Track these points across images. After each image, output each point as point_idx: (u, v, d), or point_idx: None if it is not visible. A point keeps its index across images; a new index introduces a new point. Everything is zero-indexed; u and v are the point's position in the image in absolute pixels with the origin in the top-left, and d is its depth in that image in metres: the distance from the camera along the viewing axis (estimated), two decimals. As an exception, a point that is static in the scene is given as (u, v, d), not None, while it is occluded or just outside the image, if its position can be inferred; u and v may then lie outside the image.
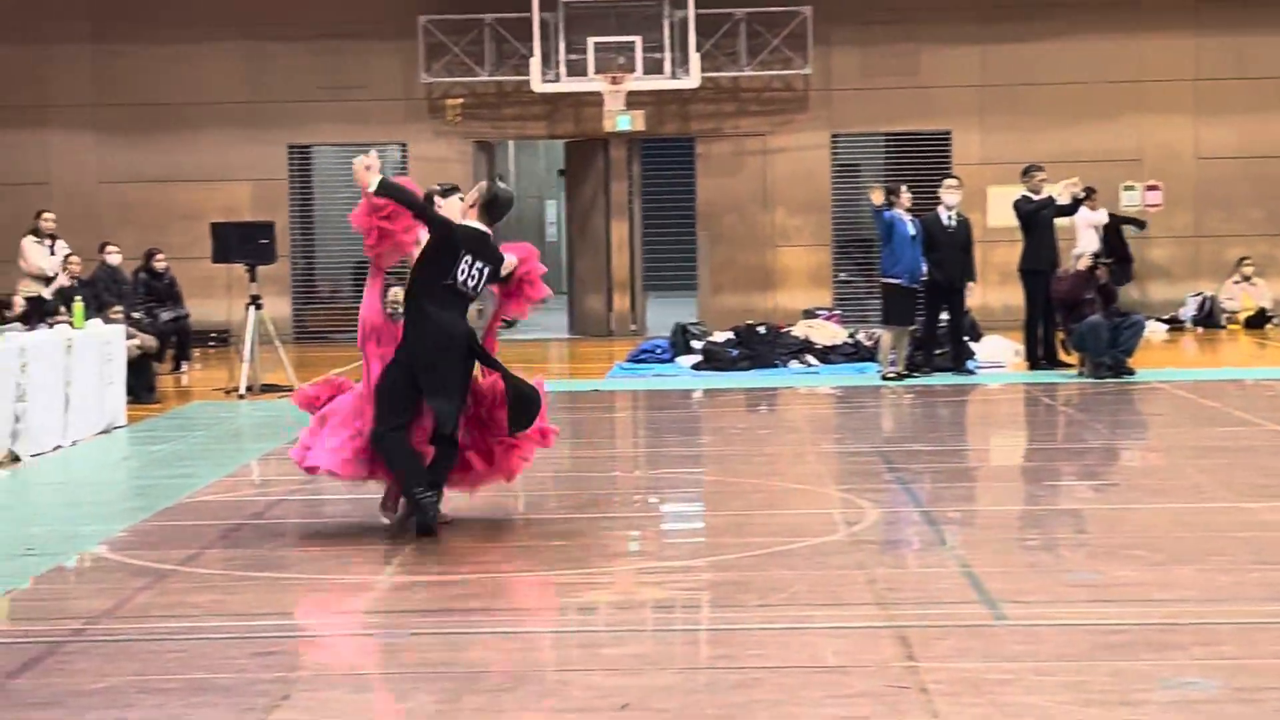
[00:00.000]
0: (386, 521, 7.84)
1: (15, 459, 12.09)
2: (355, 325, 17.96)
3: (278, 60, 23.29)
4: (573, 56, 22.07)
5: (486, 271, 7.51)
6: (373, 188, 7.38)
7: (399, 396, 7.49)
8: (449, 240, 7.34)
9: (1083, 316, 15.26)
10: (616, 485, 11.63)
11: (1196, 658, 5.24)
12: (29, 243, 18.24)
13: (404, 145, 23.72)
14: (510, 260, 7.74)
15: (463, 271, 7.36)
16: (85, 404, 13.33)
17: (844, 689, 4.99)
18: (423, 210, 7.46)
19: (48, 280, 17.60)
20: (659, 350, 19.73)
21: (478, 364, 7.87)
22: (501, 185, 8.00)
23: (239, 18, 23.01)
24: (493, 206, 7.65)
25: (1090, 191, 18.01)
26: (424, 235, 7.55)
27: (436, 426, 7.51)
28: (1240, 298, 21.42)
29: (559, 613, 7.07)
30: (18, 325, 14.66)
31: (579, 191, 25.82)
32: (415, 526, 7.46)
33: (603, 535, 9.19)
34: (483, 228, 7.56)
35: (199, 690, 5.65)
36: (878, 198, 15.28)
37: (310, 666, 6.09)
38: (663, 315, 24.10)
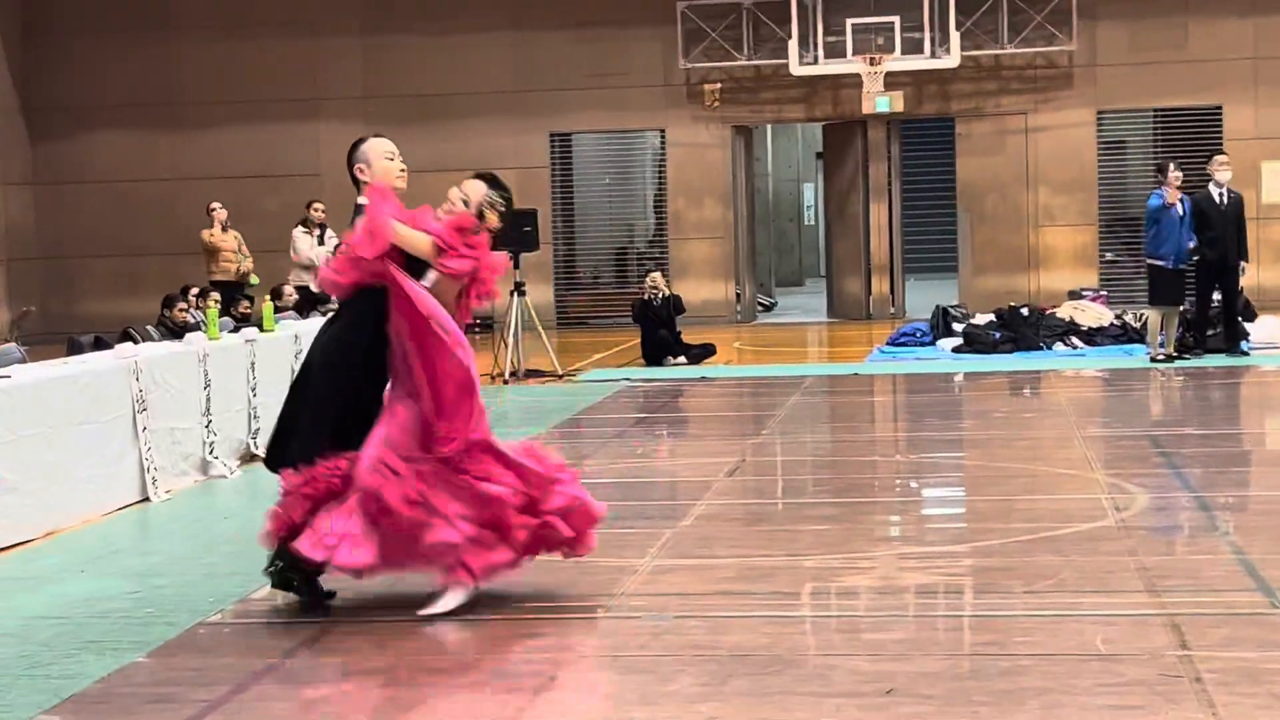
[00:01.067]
0: None
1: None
2: (614, 310, 17.80)
3: (542, 49, 23.64)
4: (830, 38, 21.92)
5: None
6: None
7: None
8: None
9: None
10: (877, 470, 11.50)
11: None
12: (299, 233, 18.72)
13: (663, 131, 23.89)
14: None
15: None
16: None
17: (1115, 678, 4.91)
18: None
19: (315, 270, 18.18)
20: (919, 334, 19.50)
21: None
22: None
23: (506, 8, 23.43)
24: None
25: None
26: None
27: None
28: None
29: (820, 597, 7.05)
30: (292, 314, 15.07)
31: (837, 174, 25.49)
32: None
33: (863, 520, 9.08)
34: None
35: (469, 670, 5.91)
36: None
37: (576, 649, 6.23)
38: (922, 298, 23.90)
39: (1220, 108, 22.77)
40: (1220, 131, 22.21)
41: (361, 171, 6.41)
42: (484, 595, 6.79)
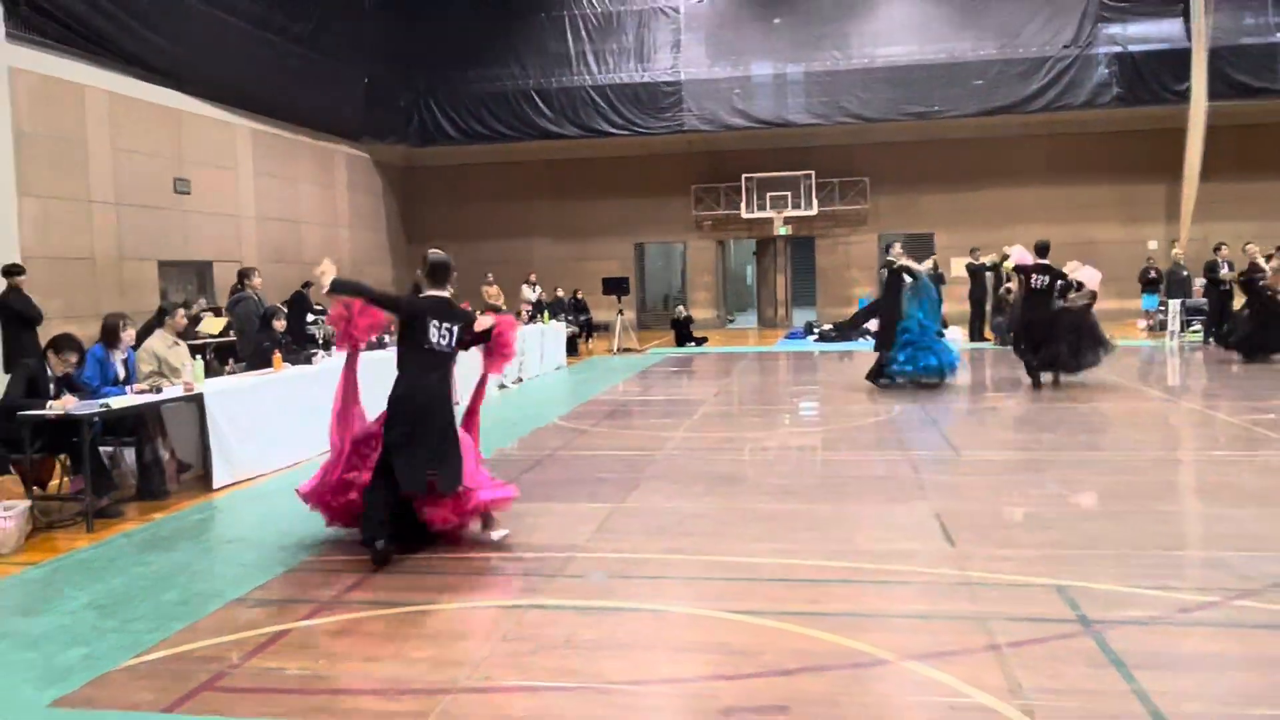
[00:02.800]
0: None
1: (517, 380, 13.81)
2: (663, 323, 21.02)
3: (586, 211, 26.41)
4: (759, 201, 25.60)
5: (456, 329, 6.03)
6: (326, 289, 5.90)
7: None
8: (411, 313, 5.98)
9: None
10: (779, 389, 13.00)
11: None
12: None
13: (685, 243, 27.02)
14: (485, 321, 6.21)
15: (434, 334, 5.93)
16: (549, 356, 16.21)
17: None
18: (376, 298, 6.12)
19: (533, 304, 19.41)
20: (799, 333, 21.82)
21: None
22: (434, 252, 6.14)
23: (614, 188, 26.40)
24: (435, 273, 6.15)
25: None
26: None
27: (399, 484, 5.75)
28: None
29: (755, 452, 8.08)
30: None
31: (763, 260, 27.80)
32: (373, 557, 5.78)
33: (771, 413, 10.11)
34: (440, 294, 6.11)
35: (601, 481, 7.28)
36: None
37: (649, 471, 7.47)
38: (800, 317, 26.23)
39: (933, 233, 25.48)
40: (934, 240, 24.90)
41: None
42: (597, 447, 8.23)
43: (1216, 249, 18.48)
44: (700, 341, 21.67)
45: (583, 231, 27.07)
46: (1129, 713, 3.82)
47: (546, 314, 18.10)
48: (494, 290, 19.27)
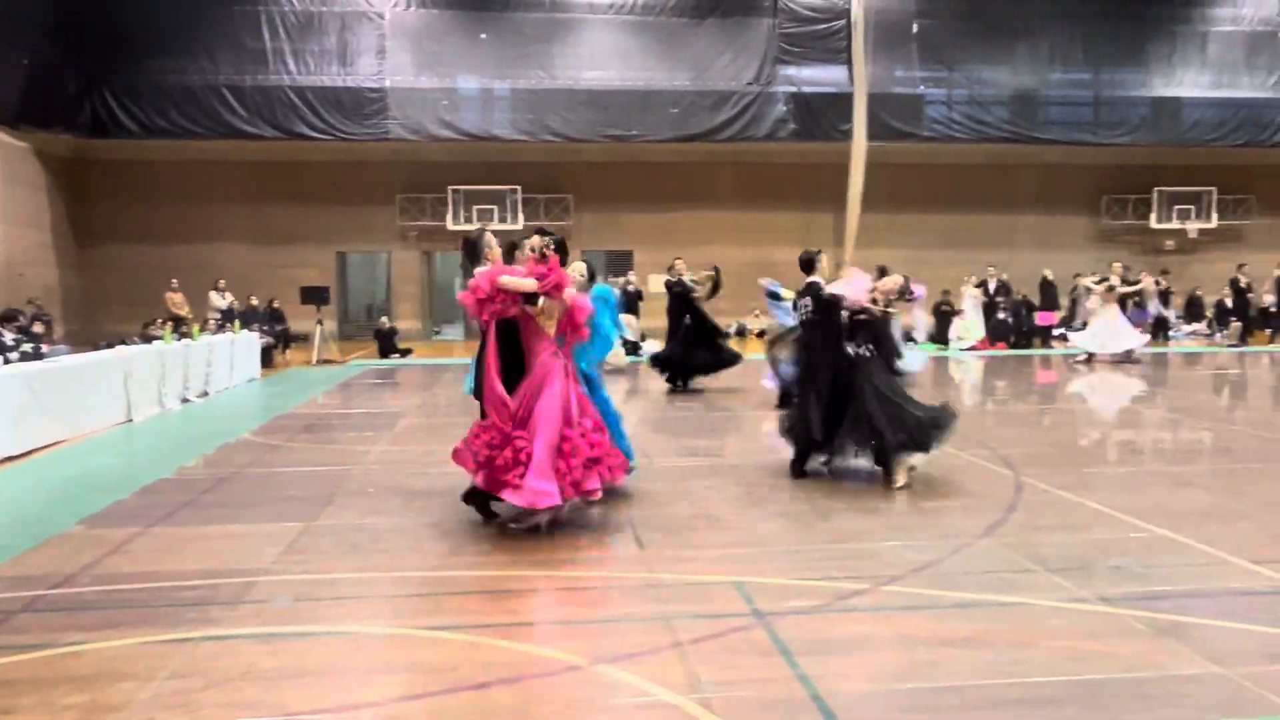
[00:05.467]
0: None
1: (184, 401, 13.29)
2: (365, 334, 20.42)
3: (280, 216, 25.44)
4: (466, 215, 25.82)
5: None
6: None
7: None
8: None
9: None
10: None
11: None
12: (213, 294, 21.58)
13: (390, 252, 26.81)
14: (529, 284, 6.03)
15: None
16: (241, 368, 15.86)
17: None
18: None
19: (222, 312, 20.64)
20: None
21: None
22: (471, 229, 5.81)
23: (315, 192, 25.57)
24: (467, 250, 6.53)
25: None
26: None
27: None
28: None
29: None
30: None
31: (474, 271, 27.51)
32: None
33: None
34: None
35: (290, 499, 7.24)
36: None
37: (344, 488, 7.48)
38: None
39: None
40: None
41: (487, 256, 6.32)
42: (302, 463, 8.39)
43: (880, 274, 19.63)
44: (405, 353, 21.79)
45: (280, 237, 26.36)
46: (793, 697, 4.09)
47: (238, 323, 17.72)
48: (178, 298, 19.37)
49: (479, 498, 6.35)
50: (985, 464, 8.45)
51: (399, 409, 12.57)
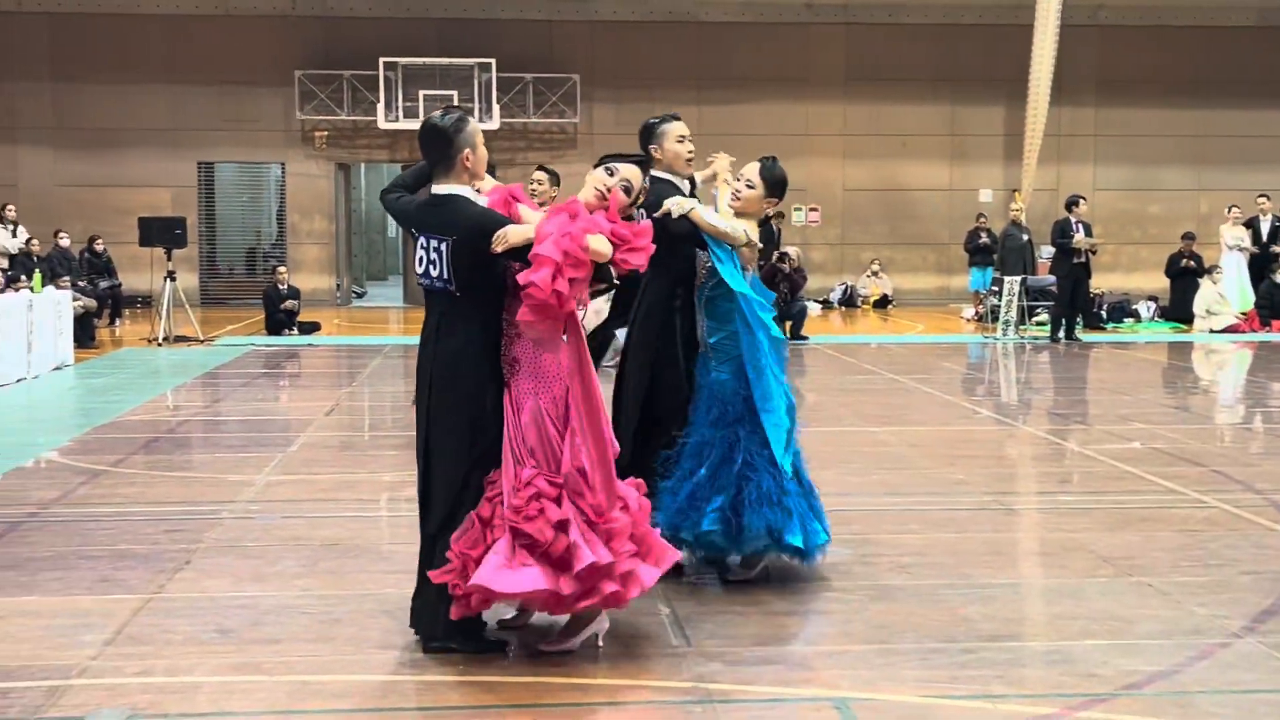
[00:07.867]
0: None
1: None
2: (246, 294, 18.34)
3: (190, 98, 25.79)
4: (408, 104, 25.10)
5: (445, 249, 5.60)
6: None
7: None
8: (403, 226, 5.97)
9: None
10: None
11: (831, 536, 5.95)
12: (-1, 229, 21.19)
13: (283, 164, 26.73)
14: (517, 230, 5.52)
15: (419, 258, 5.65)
16: (43, 348, 15.42)
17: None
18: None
19: (10, 257, 20.27)
20: None
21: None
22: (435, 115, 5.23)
23: (163, 66, 25.43)
24: (425, 148, 5.87)
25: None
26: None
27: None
28: (870, 287, 25.36)
29: (393, 503, 8.14)
30: (-1, 286, 17.02)
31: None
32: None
33: None
34: (445, 187, 5.50)
35: (124, 557, 6.94)
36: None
37: (208, 541, 7.18)
38: None
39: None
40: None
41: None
42: (135, 501, 8.24)
43: (1070, 205, 19.14)
44: (311, 329, 20.56)
45: (108, 138, 25.45)
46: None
47: (38, 276, 16.99)
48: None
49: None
50: (1250, 517, 7.83)
51: (298, 416, 12.33)
